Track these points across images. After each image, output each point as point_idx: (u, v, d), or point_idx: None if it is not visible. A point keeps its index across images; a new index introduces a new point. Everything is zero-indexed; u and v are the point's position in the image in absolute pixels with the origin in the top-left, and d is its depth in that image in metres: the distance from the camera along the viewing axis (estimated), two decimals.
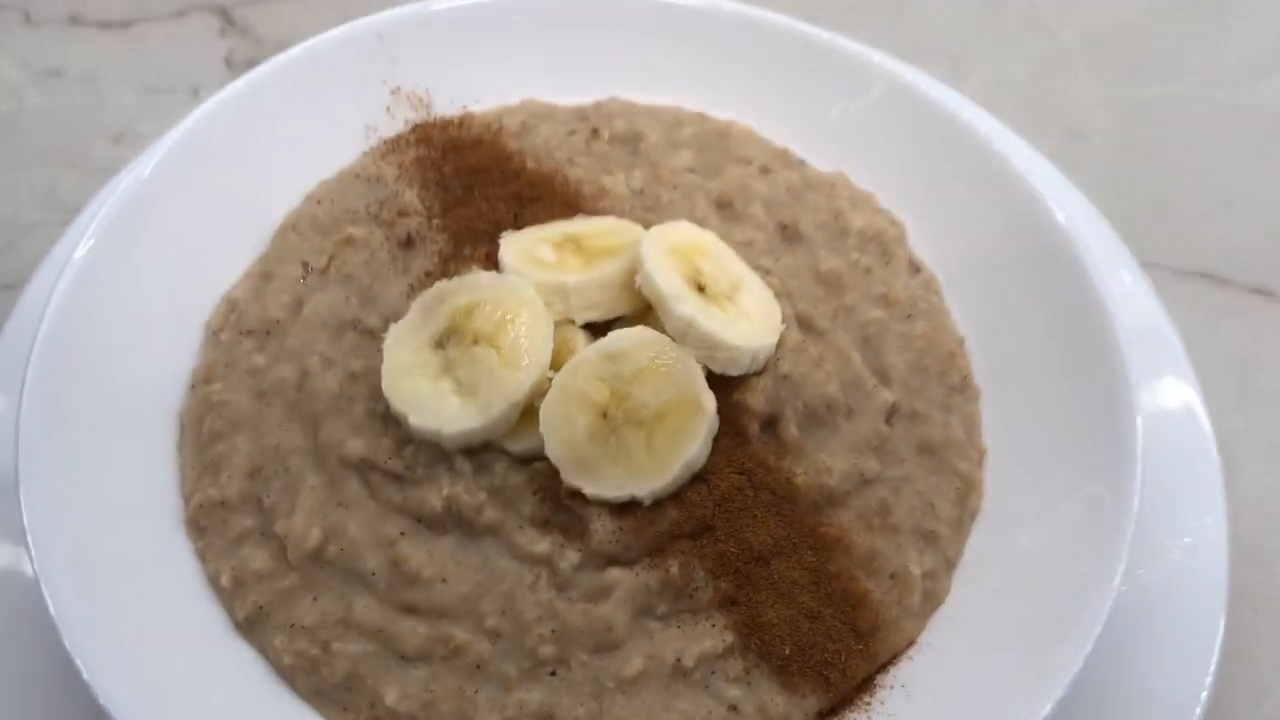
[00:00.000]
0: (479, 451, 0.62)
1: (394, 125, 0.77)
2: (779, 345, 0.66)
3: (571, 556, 0.60)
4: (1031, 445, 0.66)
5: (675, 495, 0.61)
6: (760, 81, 0.79)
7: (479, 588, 0.60)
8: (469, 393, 0.61)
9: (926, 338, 0.69)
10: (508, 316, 0.62)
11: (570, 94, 0.80)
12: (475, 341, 0.62)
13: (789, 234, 0.73)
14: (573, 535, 0.60)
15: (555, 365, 0.62)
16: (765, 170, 0.76)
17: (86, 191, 0.86)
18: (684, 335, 0.62)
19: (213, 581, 0.61)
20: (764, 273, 0.70)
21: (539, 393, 0.61)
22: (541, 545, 0.60)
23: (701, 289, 0.63)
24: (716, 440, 0.62)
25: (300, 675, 0.58)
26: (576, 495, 0.61)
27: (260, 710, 0.58)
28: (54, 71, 0.95)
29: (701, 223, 0.72)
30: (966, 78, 0.97)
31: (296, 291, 0.69)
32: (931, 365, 0.69)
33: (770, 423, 0.65)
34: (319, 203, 0.74)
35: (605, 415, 0.60)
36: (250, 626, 0.60)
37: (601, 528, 0.60)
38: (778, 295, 0.69)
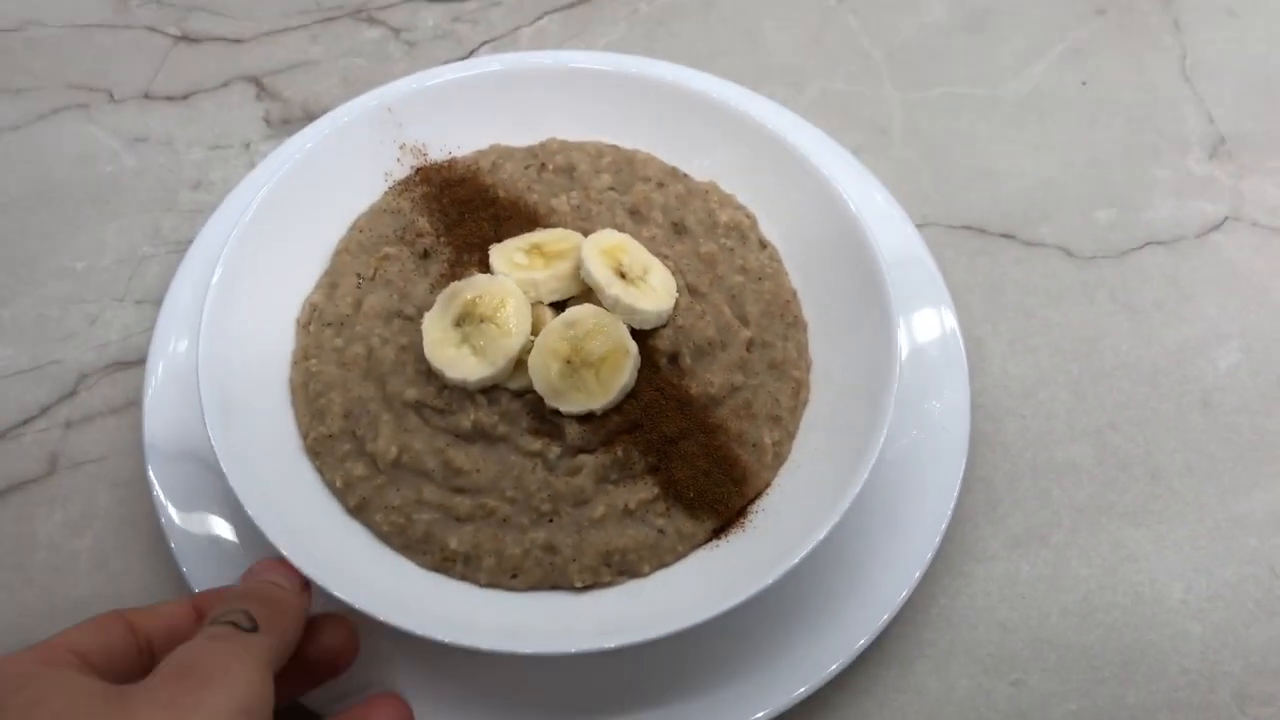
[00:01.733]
0: (491, 390, 0.84)
1: (403, 170, 0.98)
2: (675, 307, 0.87)
3: (555, 450, 0.83)
4: (837, 355, 0.89)
5: (617, 408, 0.83)
6: (655, 119, 1.01)
7: (500, 474, 0.83)
8: (481, 354, 0.83)
9: (772, 293, 0.91)
10: (501, 303, 0.84)
11: (523, 138, 1.00)
12: (482, 320, 0.83)
13: (679, 229, 0.94)
14: (555, 437, 0.83)
15: (534, 331, 0.83)
16: (661, 185, 0.96)
17: (182, 229, 1.06)
18: (614, 307, 0.84)
19: (329, 485, 0.84)
20: (664, 258, 0.91)
21: (526, 350, 0.83)
22: (535, 445, 0.83)
23: (623, 275, 0.87)
24: (640, 371, 0.84)
25: (394, 536, 0.82)
26: (555, 413, 0.82)
27: (371, 557, 0.82)
28: (140, 137, 1.13)
29: (620, 227, 0.92)
30: (803, 92, 1.17)
31: (356, 295, 0.93)
32: (775, 310, 0.91)
33: (673, 358, 0.86)
34: (361, 231, 0.95)
35: (569, 361, 0.82)
36: (358, 511, 0.83)
37: (572, 431, 0.83)
38: (674, 273, 0.90)
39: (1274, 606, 0.89)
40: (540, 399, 0.84)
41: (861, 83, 1.20)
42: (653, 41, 1.20)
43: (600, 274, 0.86)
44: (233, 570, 0.86)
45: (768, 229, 0.98)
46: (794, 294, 0.95)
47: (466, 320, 0.86)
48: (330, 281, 0.94)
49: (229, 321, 0.90)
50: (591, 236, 0.89)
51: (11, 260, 1.05)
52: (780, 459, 0.87)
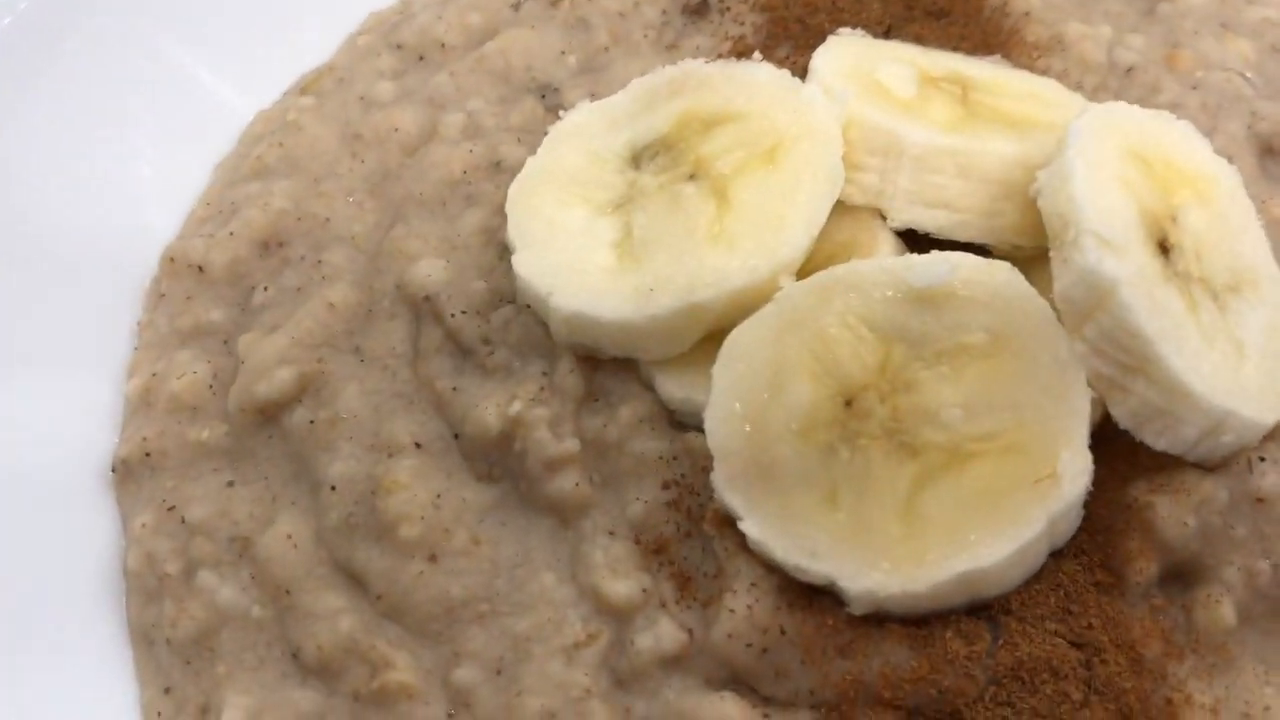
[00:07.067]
0: (589, 359, 0.38)
1: None
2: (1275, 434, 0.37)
3: (647, 641, 0.35)
4: None
5: (921, 619, 0.34)
6: None
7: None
8: (632, 257, 0.37)
9: None
10: (770, 149, 0.37)
11: None
12: (691, 176, 0.38)
13: None
14: (686, 589, 0.35)
15: (804, 270, 0.37)
16: None
17: None
18: (1085, 315, 0.33)
19: None
20: None
21: (746, 305, 0.35)
22: (623, 586, 0.36)
23: (1166, 251, 0.34)
24: (1056, 554, 0.35)
25: None
26: (726, 523, 0.35)
27: None
28: None
29: (1225, 158, 0.42)
30: None
31: (498, 17, 0.45)
32: None
33: (1180, 574, 0.36)
34: None
35: (850, 405, 0.34)
36: None
37: (739, 603, 0.34)
38: None
39: None
40: (706, 464, 0.38)
41: None
42: None
43: (1095, 206, 0.35)
44: None
45: None
46: None
47: (658, 159, 0.39)
48: None
49: None
50: (1116, 106, 0.40)
51: None
52: None
